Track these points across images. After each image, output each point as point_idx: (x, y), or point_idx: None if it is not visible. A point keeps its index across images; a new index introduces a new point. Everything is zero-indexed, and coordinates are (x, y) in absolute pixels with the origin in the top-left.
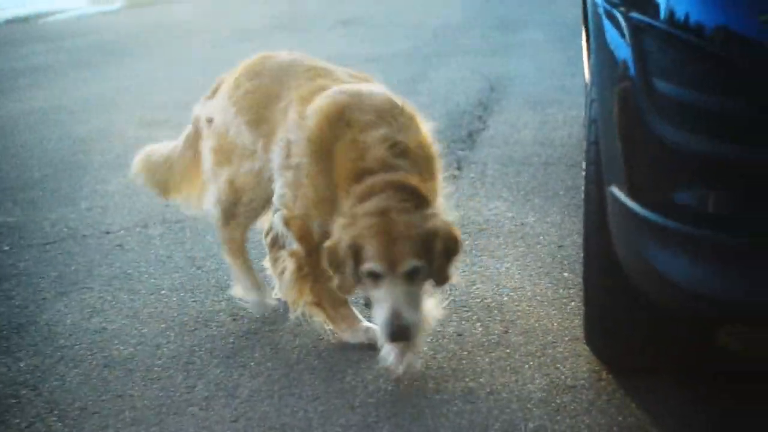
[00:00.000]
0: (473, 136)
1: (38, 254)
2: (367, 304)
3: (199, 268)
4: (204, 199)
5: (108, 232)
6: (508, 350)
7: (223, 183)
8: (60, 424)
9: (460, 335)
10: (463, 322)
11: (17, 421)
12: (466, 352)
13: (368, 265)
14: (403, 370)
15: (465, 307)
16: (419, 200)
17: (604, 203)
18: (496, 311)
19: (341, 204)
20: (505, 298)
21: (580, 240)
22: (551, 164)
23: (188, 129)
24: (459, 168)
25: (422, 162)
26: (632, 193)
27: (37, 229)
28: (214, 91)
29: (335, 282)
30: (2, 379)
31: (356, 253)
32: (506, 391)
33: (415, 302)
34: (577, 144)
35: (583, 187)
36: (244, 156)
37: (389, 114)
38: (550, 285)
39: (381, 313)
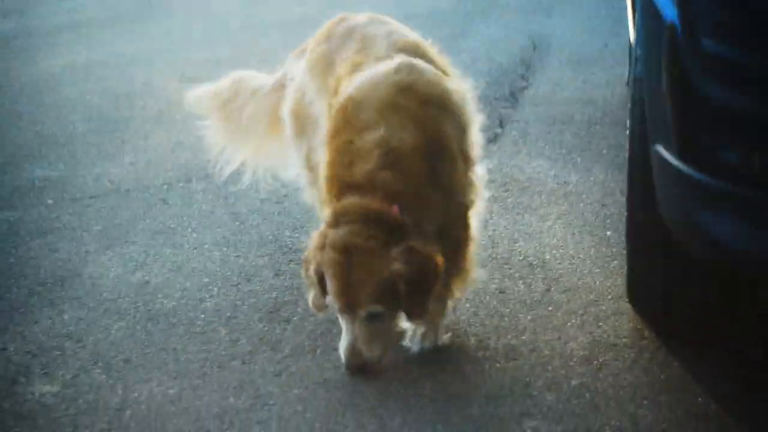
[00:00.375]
0: (516, 95)
1: (81, 208)
2: None
3: (242, 223)
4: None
5: (151, 187)
6: (550, 308)
7: (303, 158)
8: (104, 376)
9: (502, 292)
10: (506, 280)
11: (61, 372)
12: (508, 310)
13: (329, 300)
14: (420, 349)
15: (507, 264)
16: (391, 233)
17: (648, 162)
18: (538, 269)
19: (325, 210)
20: (548, 256)
21: (623, 199)
22: (594, 123)
23: (280, 73)
24: (501, 126)
25: (418, 166)
26: (678, 153)
27: (80, 184)
28: (303, 51)
29: (309, 295)
30: (46, 331)
31: (321, 281)
32: (548, 349)
33: (376, 337)
34: (621, 103)
35: (626, 146)
36: (315, 127)
37: (392, 108)
38: (592, 243)
39: (342, 343)
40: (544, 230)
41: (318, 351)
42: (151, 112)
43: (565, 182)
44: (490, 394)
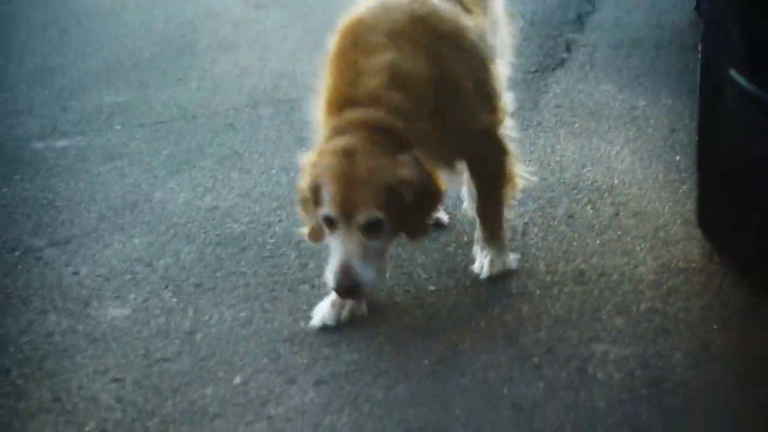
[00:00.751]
0: (582, 19)
1: (149, 133)
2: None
3: (309, 148)
4: None
5: (218, 112)
6: (619, 232)
7: None
8: (175, 299)
9: (570, 217)
10: (574, 204)
11: (133, 296)
12: (576, 234)
13: (324, 210)
14: (488, 275)
15: (575, 189)
16: (396, 143)
17: (720, 87)
18: (606, 194)
19: (320, 135)
20: (616, 181)
21: (692, 124)
22: (662, 47)
23: None
24: (568, 50)
25: (428, 96)
26: (753, 77)
27: (148, 109)
28: None
29: (306, 228)
30: (117, 255)
31: (316, 195)
32: (617, 273)
33: (372, 257)
34: (688, 27)
35: (695, 71)
36: None
37: (406, 35)
38: (661, 168)
39: (332, 261)
40: (612, 155)
41: (387, 274)
42: (216, 38)
43: (633, 107)
44: (559, 317)
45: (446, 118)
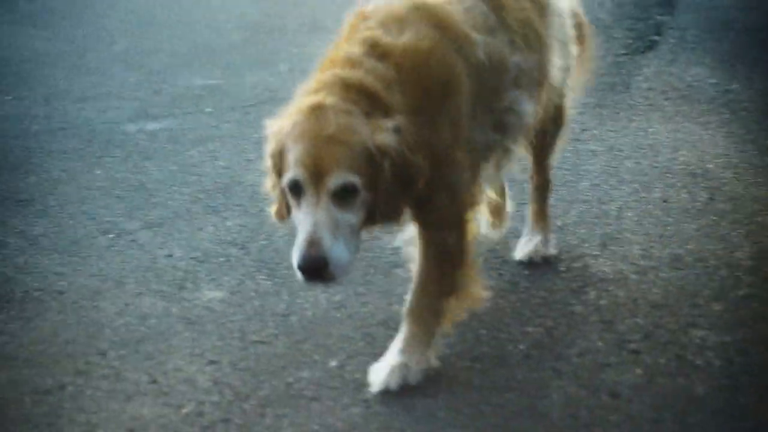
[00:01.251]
0: (673, 1)
1: (240, 116)
2: None
3: None
4: None
5: None
6: (714, 217)
7: None
8: (269, 282)
9: (665, 201)
10: (668, 189)
11: (227, 278)
12: (671, 219)
13: (288, 174)
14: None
15: (669, 173)
16: (376, 107)
17: None
18: (701, 178)
19: None
20: (710, 165)
21: None
22: (754, 30)
23: None
24: (659, 33)
25: (410, 72)
26: None
27: (238, 92)
28: None
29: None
30: (211, 238)
31: (281, 162)
32: (714, 258)
33: (343, 232)
34: None
35: None
36: None
37: (396, 21)
38: (756, 152)
39: (298, 237)
40: (705, 139)
41: (482, 258)
42: (304, 21)
43: (725, 90)
44: (656, 303)
45: (435, 115)
